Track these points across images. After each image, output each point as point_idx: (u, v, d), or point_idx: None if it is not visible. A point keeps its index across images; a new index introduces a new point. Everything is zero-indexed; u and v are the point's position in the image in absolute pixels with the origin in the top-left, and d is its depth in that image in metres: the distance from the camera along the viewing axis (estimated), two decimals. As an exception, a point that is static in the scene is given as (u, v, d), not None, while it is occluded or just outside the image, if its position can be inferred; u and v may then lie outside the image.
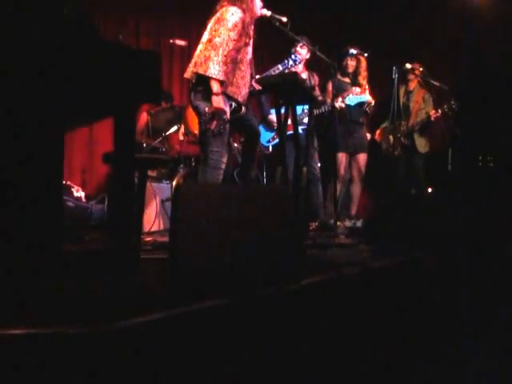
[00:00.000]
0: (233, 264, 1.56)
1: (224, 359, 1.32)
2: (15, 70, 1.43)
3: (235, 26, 2.97)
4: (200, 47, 3.05)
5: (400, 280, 2.24)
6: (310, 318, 1.63)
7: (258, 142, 3.46)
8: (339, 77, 4.41)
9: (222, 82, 2.95)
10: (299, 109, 4.15)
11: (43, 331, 1.05)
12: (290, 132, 3.64)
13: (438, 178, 5.12)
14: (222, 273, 1.53)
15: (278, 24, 3.23)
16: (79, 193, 4.08)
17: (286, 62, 3.56)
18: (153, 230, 4.18)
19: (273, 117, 4.33)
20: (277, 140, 4.38)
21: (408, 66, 4.54)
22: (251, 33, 3.12)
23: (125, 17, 5.55)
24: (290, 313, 1.56)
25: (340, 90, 4.35)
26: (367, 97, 4.42)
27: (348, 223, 4.32)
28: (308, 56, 4.29)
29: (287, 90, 3.18)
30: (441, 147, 5.11)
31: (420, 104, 4.83)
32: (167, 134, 4.57)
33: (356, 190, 4.68)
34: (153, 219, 4.24)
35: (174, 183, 4.38)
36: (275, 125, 4.17)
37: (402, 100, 4.82)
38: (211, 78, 2.91)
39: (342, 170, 4.52)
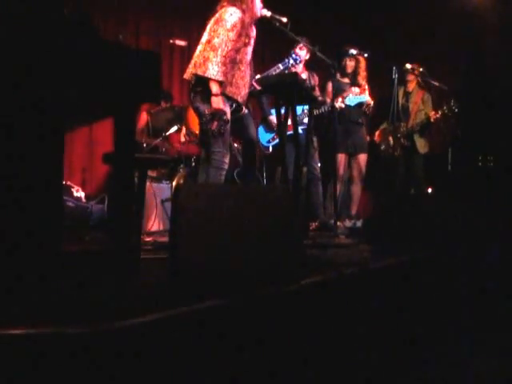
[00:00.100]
0: (233, 264, 1.56)
1: (224, 359, 1.32)
2: (15, 70, 1.43)
3: (234, 26, 2.97)
4: (199, 48, 3.05)
5: (400, 280, 2.24)
6: (310, 318, 1.63)
7: (256, 149, 3.47)
8: (338, 77, 4.41)
9: (221, 83, 2.95)
10: (299, 109, 4.15)
11: (43, 331, 1.05)
12: (290, 132, 3.64)
13: (437, 178, 5.12)
14: (222, 273, 1.53)
15: (278, 24, 3.23)
16: (79, 193, 4.08)
17: (287, 61, 3.56)
18: (153, 230, 4.19)
19: (273, 117, 4.33)
20: (277, 140, 4.38)
21: (408, 65, 4.54)
22: (251, 33, 3.12)
23: (125, 17, 5.55)
24: (289, 313, 1.56)
25: (339, 91, 4.34)
26: (367, 97, 4.42)
27: (348, 223, 4.32)
28: (308, 57, 4.29)
29: (287, 91, 3.18)
30: (441, 147, 5.11)
31: (419, 105, 4.82)
32: (167, 133, 4.57)
33: (356, 190, 4.68)
34: (153, 219, 4.24)
35: (174, 183, 4.38)
36: (275, 125, 4.17)
37: (400, 101, 4.82)
38: (210, 79, 2.91)
39: (341, 171, 4.52)
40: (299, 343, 1.55)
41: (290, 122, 3.42)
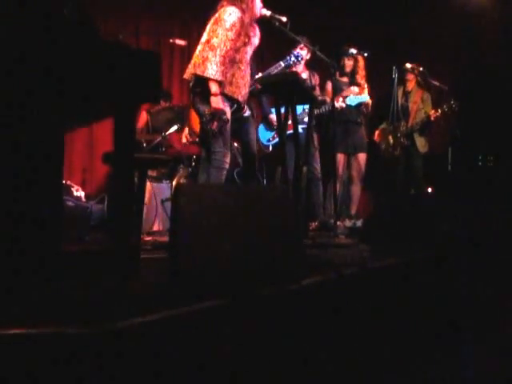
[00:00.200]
0: (233, 264, 1.56)
1: (224, 359, 1.32)
2: (15, 70, 1.43)
3: (233, 26, 2.97)
4: (199, 48, 3.06)
5: (400, 280, 2.24)
6: (310, 318, 1.62)
7: (255, 151, 3.48)
8: (337, 76, 4.42)
9: (220, 83, 2.95)
10: (300, 108, 4.15)
11: (43, 331, 1.05)
12: (291, 132, 3.64)
13: (438, 178, 5.12)
14: (222, 273, 1.53)
15: (277, 24, 3.23)
16: (79, 193, 4.08)
17: (288, 58, 3.56)
18: (153, 230, 4.18)
19: (273, 116, 4.33)
20: (277, 139, 4.38)
21: (408, 65, 4.54)
22: (250, 33, 3.12)
23: (125, 17, 5.55)
24: (290, 313, 1.56)
25: (338, 90, 4.35)
26: (367, 97, 4.42)
27: (348, 223, 4.32)
28: (308, 56, 4.29)
29: (287, 90, 3.18)
30: (441, 147, 5.11)
31: (418, 104, 4.83)
32: (167, 133, 4.57)
33: (356, 189, 4.68)
34: (153, 219, 4.24)
35: (174, 183, 4.38)
36: (275, 124, 4.17)
37: (400, 101, 4.82)
38: (209, 78, 2.92)
39: (340, 171, 4.52)
40: (299, 343, 1.55)
41: (290, 121, 3.42)
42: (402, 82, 4.83)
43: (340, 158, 4.52)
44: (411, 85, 4.89)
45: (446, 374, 1.78)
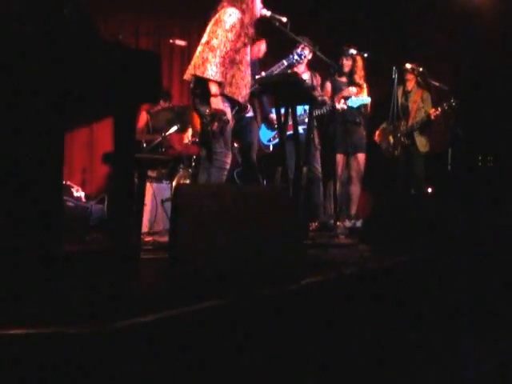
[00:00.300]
0: (233, 264, 1.56)
1: (224, 359, 1.32)
2: (15, 70, 1.43)
3: (233, 26, 2.97)
4: (199, 49, 3.06)
5: (400, 280, 2.24)
6: (310, 318, 1.63)
7: (255, 152, 3.48)
8: (336, 76, 4.42)
9: (219, 84, 2.96)
10: (300, 108, 4.15)
11: (43, 331, 1.05)
12: (291, 132, 3.64)
13: (437, 178, 5.12)
14: (222, 273, 1.53)
15: (278, 24, 3.23)
16: (79, 193, 4.09)
17: (291, 57, 3.55)
18: (153, 230, 4.18)
19: (274, 116, 4.33)
20: (277, 139, 4.38)
21: (408, 65, 4.54)
22: (251, 33, 3.12)
23: (125, 17, 5.55)
24: (289, 313, 1.56)
25: (336, 90, 4.35)
26: (368, 99, 4.43)
27: (348, 223, 4.32)
28: (310, 56, 4.30)
29: (287, 91, 3.18)
30: (441, 146, 5.10)
31: (418, 103, 4.83)
32: (167, 133, 4.57)
33: (355, 189, 4.68)
34: (153, 219, 4.24)
35: (174, 183, 4.38)
36: (276, 124, 4.17)
37: (400, 100, 4.82)
38: (209, 79, 2.92)
39: (339, 171, 4.53)
40: (299, 343, 1.55)
41: (290, 121, 3.42)
42: (402, 81, 4.83)
43: (339, 158, 4.52)
44: (411, 84, 4.89)
45: (446, 373, 1.78)
